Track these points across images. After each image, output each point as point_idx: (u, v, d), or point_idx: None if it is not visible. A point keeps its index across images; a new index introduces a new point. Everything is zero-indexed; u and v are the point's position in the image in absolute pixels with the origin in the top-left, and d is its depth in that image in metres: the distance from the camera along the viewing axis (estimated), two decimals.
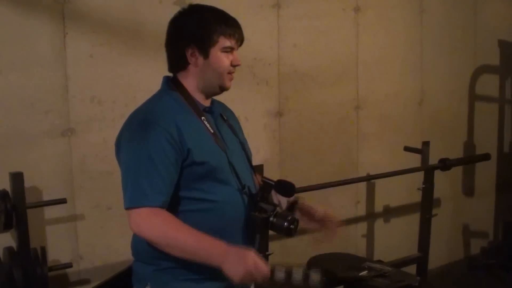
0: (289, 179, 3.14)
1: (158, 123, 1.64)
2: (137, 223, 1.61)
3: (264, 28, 3.03)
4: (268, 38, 3.05)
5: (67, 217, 2.53)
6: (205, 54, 1.71)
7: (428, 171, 3.28)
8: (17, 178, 2.23)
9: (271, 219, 1.70)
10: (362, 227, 3.56)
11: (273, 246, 2.71)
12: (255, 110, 3.02)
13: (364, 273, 2.66)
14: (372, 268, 2.71)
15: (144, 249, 1.68)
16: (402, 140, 3.52)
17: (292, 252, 2.95)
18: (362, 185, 3.51)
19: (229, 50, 1.73)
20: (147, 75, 2.61)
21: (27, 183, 2.29)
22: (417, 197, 3.44)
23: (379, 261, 2.91)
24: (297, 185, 2.87)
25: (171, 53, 1.77)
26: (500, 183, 4.22)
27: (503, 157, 4.18)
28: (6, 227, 2.25)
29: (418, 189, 3.33)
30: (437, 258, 3.73)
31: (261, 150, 2.99)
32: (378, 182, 3.50)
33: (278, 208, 1.73)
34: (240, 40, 1.76)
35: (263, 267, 1.58)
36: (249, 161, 1.86)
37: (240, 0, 2.85)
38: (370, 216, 3.58)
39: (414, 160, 3.38)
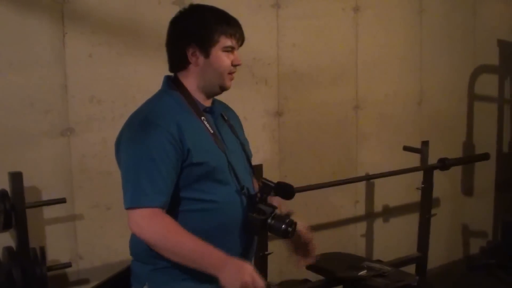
0: (288, 178, 3.17)
1: (159, 123, 1.64)
2: (138, 224, 1.61)
3: (263, 27, 3.03)
4: (267, 37, 3.05)
5: (66, 217, 2.53)
6: (206, 54, 1.71)
7: (427, 171, 3.28)
8: (16, 178, 2.23)
9: (269, 221, 1.70)
10: (361, 226, 3.57)
11: (272, 246, 2.73)
12: (254, 110, 3.02)
13: (363, 272, 2.66)
14: (371, 267, 2.71)
15: (142, 248, 1.68)
16: (402, 139, 3.52)
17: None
18: (362, 185, 3.51)
19: (229, 49, 1.73)
20: (147, 74, 2.61)
21: (26, 183, 2.29)
22: (416, 196, 3.44)
23: (378, 261, 2.91)
24: (297, 184, 2.88)
25: (172, 53, 1.77)
26: (499, 182, 4.23)
27: (502, 157, 4.18)
28: (5, 227, 2.25)
29: (417, 188, 3.34)
30: (436, 257, 3.73)
31: (260, 150, 2.99)
32: (378, 182, 3.51)
33: (276, 210, 1.73)
34: (240, 40, 1.76)
35: (260, 282, 1.59)
36: (249, 161, 1.86)
37: (240, 0, 2.85)
38: (369, 216, 3.58)
39: (413, 159, 3.39)
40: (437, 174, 3.34)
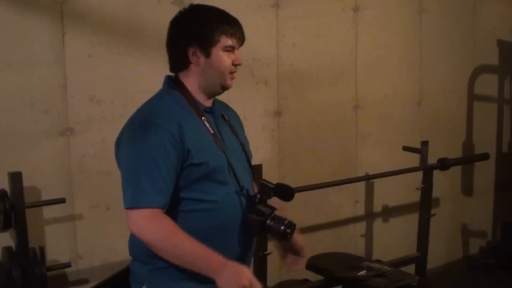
0: (288, 178, 3.17)
1: (159, 123, 1.64)
2: (138, 224, 1.61)
3: (263, 27, 3.03)
4: (267, 37, 3.05)
5: (65, 216, 2.53)
6: (207, 53, 1.71)
7: (427, 171, 3.28)
8: (15, 177, 2.23)
9: (267, 222, 1.70)
10: (361, 226, 3.57)
11: (272, 246, 2.73)
12: (254, 110, 3.02)
13: (363, 272, 2.66)
14: (371, 267, 2.71)
15: (141, 248, 1.68)
16: (401, 139, 3.52)
17: None
18: (361, 185, 3.51)
19: (230, 49, 1.73)
20: (146, 74, 2.61)
21: (26, 183, 2.29)
22: (416, 196, 3.45)
23: (378, 261, 2.91)
24: (296, 184, 2.89)
25: (173, 52, 1.77)
26: (498, 182, 4.23)
27: (502, 157, 4.18)
28: (5, 227, 2.25)
29: (417, 188, 3.34)
30: (435, 257, 3.73)
31: (260, 149, 2.99)
32: (377, 182, 3.51)
33: (275, 211, 1.73)
34: (241, 40, 1.76)
35: (258, 286, 1.61)
36: (249, 162, 1.86)
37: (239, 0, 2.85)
38: (369, 216, 3.58)
39: (413, 159, 3.39)
40: (436, 174, 3.34)
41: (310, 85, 3.23)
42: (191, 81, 1.75)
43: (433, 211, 3.37)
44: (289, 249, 1.90)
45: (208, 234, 1.67)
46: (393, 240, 3.60)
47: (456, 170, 3.87)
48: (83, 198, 2.56)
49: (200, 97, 1.76)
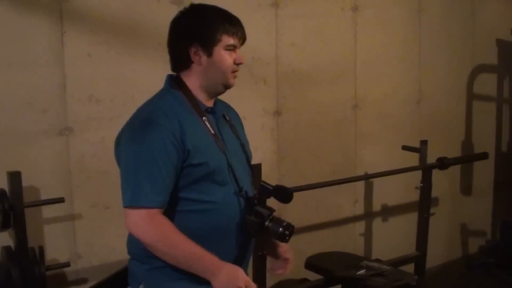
0: (287, 178, 3.17)
1: (160, 123, 1.64)
2: (136, 224, 1.62)
3: (262, 27, 3.03)
4: (266, 37, 3.05)
5: (65, 216, 2.53)
6: (209, 53, 1.71)
7: (426, 170, 3.28)
8: (14, 177, 2.23)
9: (266, 223, 1.71)
10: (360, 226, 3.57)
11: None
12: (253, 109, 3.01)
13: (362, 272, 2.66)
14: (370, 267, 2.71)
15: (139, 248, 1.68)
16: (400, 139, 3.52)
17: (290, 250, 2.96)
18: (360, 184, 3.51)
19: (232, 48, 1.73)
20: (145, 74, 2.61)
21: (25, 182, 2.28)
22: (415, 196, 3.45)
23: (377, 260, 2.91)
24: (295, 184, 2.90)
25: (174, 52, 1.77)
26: (498, 182, 4.23)
27: (501, 156, 4.19)
28: (4, 226, 2.25)
29: (416, 188, 3.34)
30: (435, 257, 3.73)
31: (259, 149, 2.99)
32: (376, 181, 3.51)
33: (274, 213, 1.74)
34: (242, 39, 1.76)
35: (253, 285, 1.63)
36: (249, 163, 1.86)
37: None
38: (368, 215, 3.59)
39: (412, 159, 3.39)
40: (435, 173, 3.35)
41: (309, 84, 3.23)
42: (193, 81, 1.75)
43: (432, 210, 3.38)
44: (275, 254, 1.91)
45: (206, 234, 1.67)
46: (392, 240, 3.60)
47: (455, 170, 3.87)
48: (82, 197, 2.56)
49: (201, 97, 1.76)
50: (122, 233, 1.77)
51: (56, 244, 2.51)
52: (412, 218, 3.49)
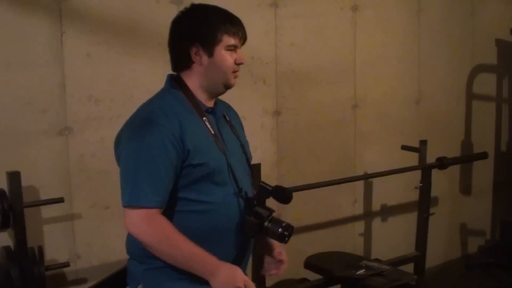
0: (286, 178, 3.17)
1: (161, 123, 1.64)
2: (135, 224, 1.62)
3: (262, 27, 3.02)
4: (265, 37, 3.05)
5: (64, 216, 2.53)
6: (210, 53, 1.71)
7: (426, 170, 3.28)
8: (14, 177, 2.23)
9: (265, 224, 1.71)
10: (359, 225, 3.57)
11: None
12: (252, 109, 3.01)
13: (361, 271, 2.66)
14: (369, 266, 2.71)
15: (138, 247, 1.68)
16: (400, 139, 3.52)
17: (289, 250, 2.96)
18: (360, 184, 3.51)
19: (233, 48, 1.73)
20: (145, 74, 2.61)
21: (24, 182, 2.28)
22: (414, 195, 3.45)
23: (377, 260, 2.91)
24: (295, 183, 2.90)
25: (175, 52, 1.77)
26: (497, 181, 4.23)
27: (501, 156, 4.19)
28: (3, 226, 2.25)
29: (416, 187, 3.34)
30: (434, 256, 3.73)
31: (258, 149, 2.99)
32: (376, 181, 3.51)
33: (273, 214, 1.74)
34: (243, 39, 1.77)
35: (251, 286, 1.64)
36: (248, 163, 1.86)
37: None
38: (368, 215, 3.59)
39: (412, 159, 3.39)
40: (435, 173, 3.35)
41: (309, 84, 3.23)
42: (194, 81, 1.75)
43: (431, 210, 3.38)
44: (270, 255, 1.91)
45: (206, 235, 1.68)
46: (392, 239, 3.60)
47: (455, 169, 3.87)
48: (82, 197, 2.56)
49: (202, 97, 1.76)
50: (122, 233, 1.77)
51: (55, 244, 2.51)
52: (411, 218, 3.49)
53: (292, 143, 3.21)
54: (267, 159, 3.07)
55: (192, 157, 1.66)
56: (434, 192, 3.42)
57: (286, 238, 1.72)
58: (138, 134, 1.66)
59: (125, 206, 1.63)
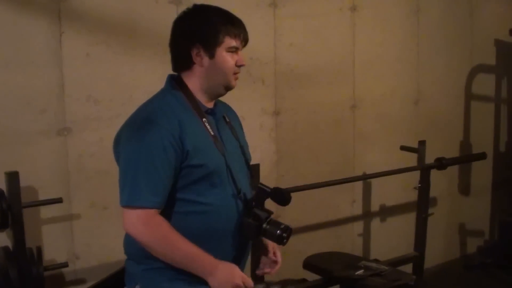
0: (285, 178, 3.17)
1: (161, 123, 1.64)
2: (134, 225, 1.62)
3: (261, 27, 3.02)
4: (264, 37, 3.05)
5: (63, 216, 2.53)
6: (211, 54, 1.71)
7: (424, 170, 3.29)
8: (12, 177, 2.23)
9: (264, 226, 1.71)
10: (358, 226, 3.57)
11: None
12: (251, 109, 3.01)
13: (360, 272, 2.66)
14: (368, 267, 2.71)
15: (136, 248, 1.68)
16: (398, 139, 3.52)
17: (288, 251, 2.96)
18: (359, 184, 3.51)
19: (234, 50, 1.73)
20: (144, 74, 2.61)
21: (23, 183, 2.28)
22: (413, 196, 3.45)
23: (376, 260, 2.91)
24: (294, 184, 2.90)
25: (176, 52, 1.77)
26: (496, 182, 4.23)
27: (499, 156, 4.19)
28: (2, 226, 2.24)
29: (415, 188, 3.34)
30: (433, 257, 3.73)
31: (257, 149, 2.99)
32: (375, 181, 3.51)
33: (272, 215, 1.74)
34: (244, 41, 1.77)
35: (250, 282, 1.66)
36: (247, 165, 1.86)
37: None
38: (367, 215, 3.59)
39: (410, 159, 3.39)
40: (434, 173, 3.35)
41: (308, 84, 3.23)
42: (194, 82, 1.75)
43: (430, 210, 3.38)
44: (266, 255, 1.91)
45: (204, 236, 1.68)
46: (391, 240, 3.61)
47: (454, 170, 3.87)
48: (81, 198, 2.55)
49: (202, 98, 1.76)
50: (121, 234, 1.77)
51: (54, 245, 2.51)
52: (410, 218, 3.49)
53: (291, 143, 3.21)
54: (266, 159, 3.07)
55: (191, 158, 1.66)
56: (433, 193, 3.42)
57: (285, 240, 1.73)
58: (138, 134, 1.66)
59: (123, 206, 1.63)
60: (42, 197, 2.44)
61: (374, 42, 3.46)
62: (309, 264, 2.85)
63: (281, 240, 1.72)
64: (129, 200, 1.62)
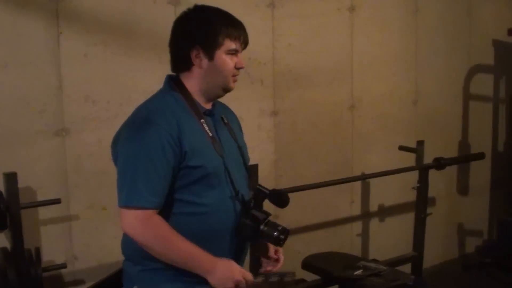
0: (284, 178, 3.17)
1: (159, 124, 1.64)
2: (132, 225, 1.62)
3: (259, 27, 3.02)
4: (263, 37, 3.05)
5: (61, 217, 2.52)
6: (210, 56, 1.70)
7: (423, 170, 3.29)
8: (11, 178, 2.22)
9: (261, 227, 1.71)
10: (357, 226, 3.57)
11: None
12: (249, 109, 3.01)
13: (359, 272, 2.66)
14: (367, 267, 2.71)
15: (133, 248, 1.68)
16: (397, 139, 3.52)
17: (287, 251, 2.96)
18: (357, 184, 3.51)
19: (233, 52, 1.73)
20: (142, 74, 2.61)
21: (21, 183, 2.28)
22: (412, 196, 3.45)
23: (374, 260, 2.91)
24: (292, 184, 2.90)
25: (175, 53, 1.77)
26: (494, 181, 4.24)
27: (498, 156, 4.19)
28: (0, 227, 2.24)
29: (413, 188, 3.34)
30: (432, 257, 3.74)
31: (256, 149, 2.99)
32: (373, 181, 3.51)
33: (269, 217, 1.74)
34: (244, 43, 1.76)
35: (249, 276, 1.66)
36: (246, 166, 1.86)
37: None
38: (365, 215, 3.59)
39: (409, 159, 3.39)
40: (432, 173, 3.35)
41: (306, 85, 3.23)
42: (193, 83, 1.74)
43: (429, 210, 3.38)
44: (266, 256, 1.91)
45: (201, 237, 1.68)
46: (389, 240, 3.61)
47: (452, 170, 3.87)
48: (79, 198, 2.55)
49: (200, 99, 1.76)
50: (119, 234, 1.76)
51: (52, 245, 2.51)
52: (409, 218, 3.49)
53: (290, 144, 3.21)
54: (265, 159, 3.07)
55: (189, 159, 1.65)
56: (431, 193, 3.42)
57: (282, 242, 1.73)
58: (136, 134, 1.65)
59: (121, 207, 1.63)
60: (40, 198, 2.44)
61: (372, 42, 3.46)
62: (308, 264, 2.85)
63: (278, 242, 1.73)
64: (128, 200, 1.61)
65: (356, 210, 3.55)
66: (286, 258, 1.93)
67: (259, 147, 3.07)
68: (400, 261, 3.24)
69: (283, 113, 3.16)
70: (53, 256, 2.50)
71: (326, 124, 3.34)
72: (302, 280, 2.90)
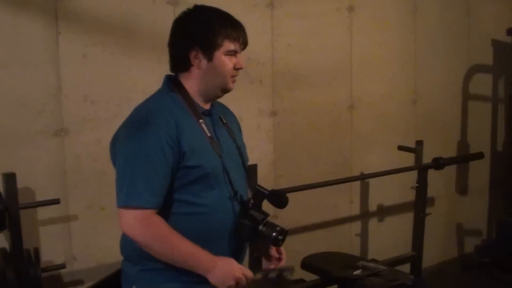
0: (283, 178, 3.17)
1: (158, 124, 1.64)
2: (131, 225, 1.62)
3: (258, 27, 3.02)
4: (262, 37, 3.05)
5: (60, 217, 2.52)
6: (209, 57, 1.70)
7: (422, 170, 3.29)
8: (9, 178, 2.22)
9: (260, 227, 1.72)
10: (356, 226, 3.57)
11: None
12: (249, 109, 3.01)
13: (358, 272, 2.66)
14: (366, 267, 2.71)
15: (131, 248, 1.68)
16: (396, 139, 3.53)
17: (286, 251, 2.96)
18: (356, 184, 3.51)
19: (232, 53, 1.73)
20: (141, 74, 2.61)
21: (20, 184, 2.27)
22: (411, 196, 3.45)
23: (373, 260, 2.91)
24: (291, 184, 2.90)
25: (175, 53, 1.76)
26: (493, 181, 4.24)
27: (497, 156, 4.20)
28: None
29: (412, 188, 3.34)
30: (431, 256, 3.74)
31: (255, 149, 2.99)
32: (372, 181, 3.51)
33: (268, 217, 1.74)
34: (243, 44, 1.76)
35: (249, 273, 1.66)
36: (244, 166, 1.86)
37: None
38: (364, 215, 3.59)
39: (408, 159, 3.39)
40: (431, 173, 3.35)
41: (305, 85, 3.23)
42: (191, 84, 1.74)
43: (428, 210, 3.38)
44: (268, 256, 1.91)
45: (200, 237, 1.68)
46: (388, 240, 3.61)
47: (451, 169, 3.88)
48: (78, 198, 2.55)
49: (199, 100, 1.76)
50: (118, 234, 1.76)
51: (51, 246, 2.50)
52: (408, 218, 3.49)
53: (289, 144, 3.21)
54: (264, 159, 3.07)
55: (187, 159, 1.65)
56: (430, 192, 3.42)
57: (280, 242, 1.74)
58: (135, 134, 1.65)
59: (120, 207, 1.63)
60: (39, 198, 2.44)
61: (371, 42, 3.46)
62: (307, 264, 2.85)
63: (276, 242, 1.73)
64: (127, 200, 1.61)
65: (355, 210, 3.55)
66: (285, 257, 1.93)
67: (258, 147, 3.07)
68: (399, 261, 3.24)
69: (282, 113, 3.16)
70: (52, 256, 2.50)
71: (325, 124, 3.34)
72: (301, 280, 2.90)
